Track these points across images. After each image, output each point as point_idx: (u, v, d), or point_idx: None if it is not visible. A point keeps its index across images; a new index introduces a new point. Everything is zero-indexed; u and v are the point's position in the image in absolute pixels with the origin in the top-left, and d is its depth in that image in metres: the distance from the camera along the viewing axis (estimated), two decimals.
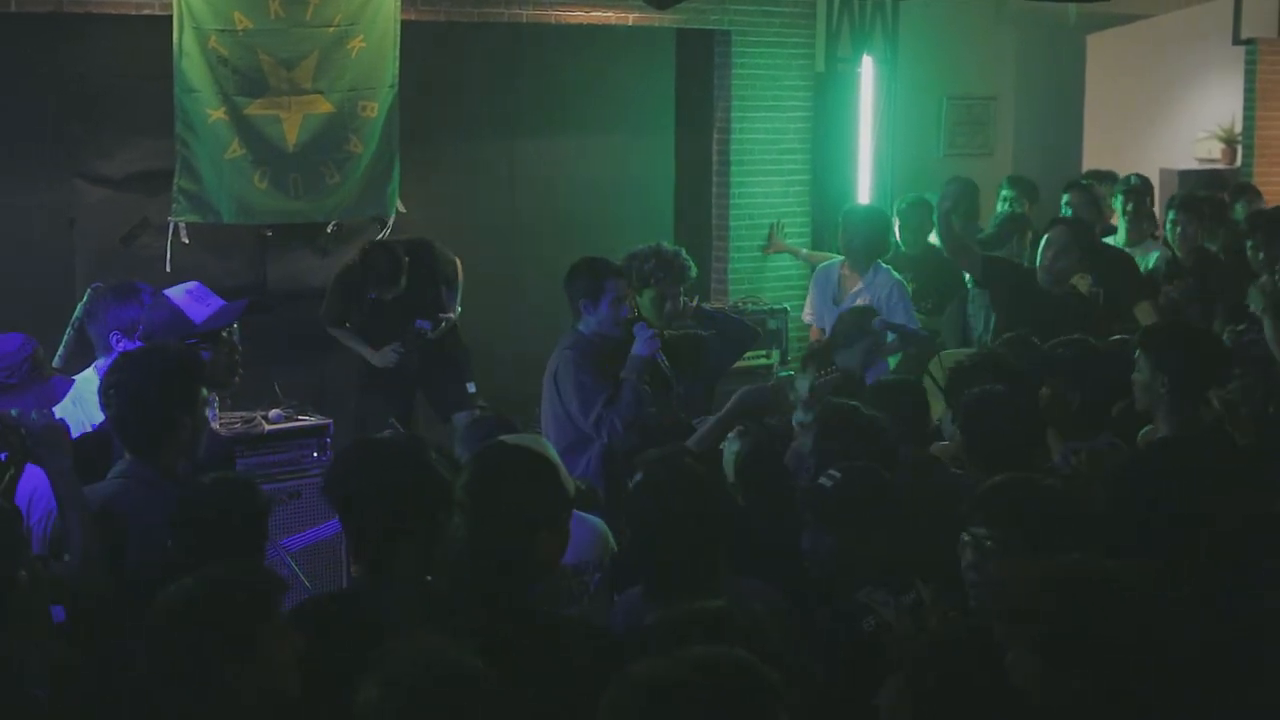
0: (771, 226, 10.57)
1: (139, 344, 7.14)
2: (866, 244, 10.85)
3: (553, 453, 5.16)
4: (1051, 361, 7.51)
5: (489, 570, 4.76)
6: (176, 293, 7.41)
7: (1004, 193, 13.09)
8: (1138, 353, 7.11)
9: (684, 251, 9.32)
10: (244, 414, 9.28)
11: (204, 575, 4.29)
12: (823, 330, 10.72)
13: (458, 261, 10.98)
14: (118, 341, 7.40)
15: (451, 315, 10.86)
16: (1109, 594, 4.23)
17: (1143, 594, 4.30)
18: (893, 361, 11.48)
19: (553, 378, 8.55)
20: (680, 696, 3.31)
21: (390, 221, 11.31)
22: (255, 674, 4.06)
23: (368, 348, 10.76)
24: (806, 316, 11.44)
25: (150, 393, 5.75)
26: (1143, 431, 7.29)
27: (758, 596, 5.15)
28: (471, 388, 10.88)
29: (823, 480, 5.69)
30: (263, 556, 5.34)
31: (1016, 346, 7.96)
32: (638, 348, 8.46)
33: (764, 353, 12.29)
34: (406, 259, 10.54)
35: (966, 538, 4.92)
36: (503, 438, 5.44)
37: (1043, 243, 10.17)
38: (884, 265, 10.84)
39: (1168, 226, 11.40)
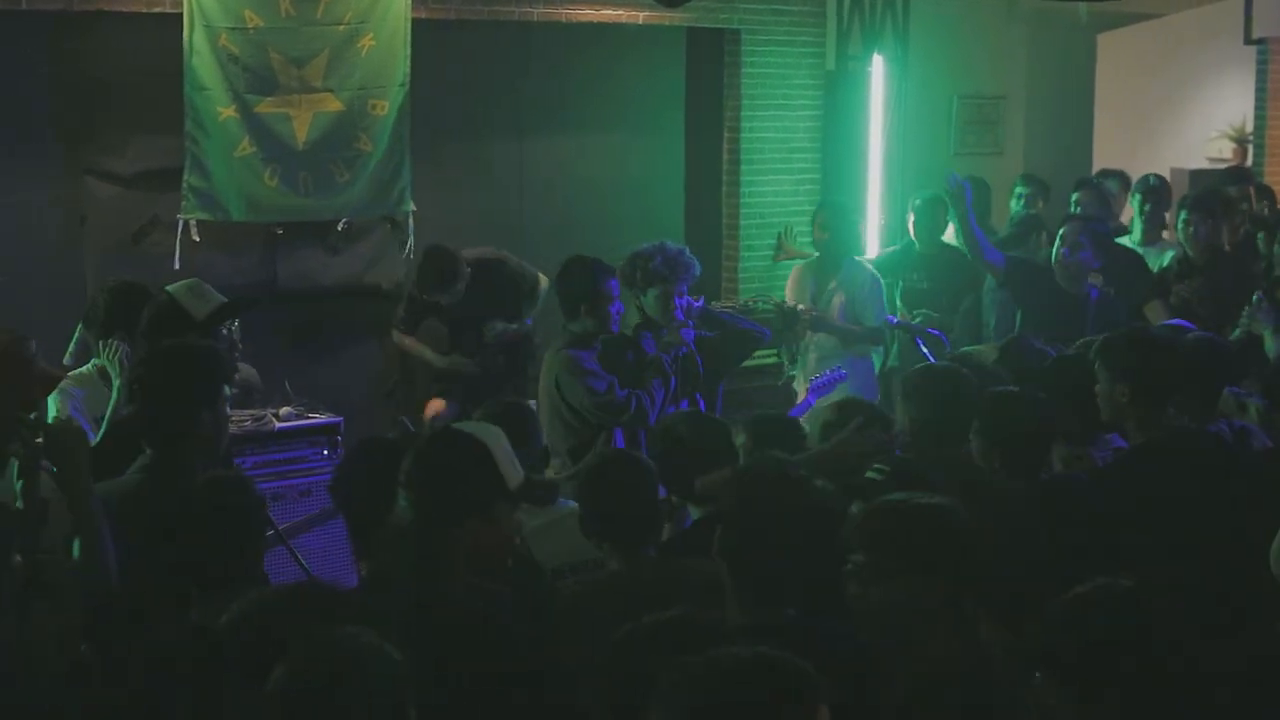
0: (780, 234, 10.52)
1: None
2: (839, 240, 10.85)
3: (504, 444, 5.07)
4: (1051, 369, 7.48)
5: (422, 556, 4.76)
6: (178, 289, 7.45)
7: (1018, 190, 13.10)
8: (1096, 364, 7.05)
9: (688, 250, 9.32)
10: (254, 411, 9.27)
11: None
12: None
13: (541, 277, 10.77)
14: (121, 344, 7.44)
15: (513, 325, 10.68)
16: (1138, 614, 4.25)
17: (1167, 611, 4.32)
18: (892, 356, 11.55)
19: (554, 382, 8.54)
20: (729, 692, 3.32)
21: (409, 222, 11.31)
22: None
23: (430, 350, 10.75)
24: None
25: (174, 388, 5.79)
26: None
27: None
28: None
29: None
30: (259, 553, 5.31)
31: (1015, 350, 7.95)
32: (650, 346, 8.58)
33: (773, 352, 12.26)
34: (468, 269, 10.43)
35: (849, 566, 4.76)
36: (455, 424, 5.41)
37: (1057, 239, 10.18)
38: (859, 260, 10.82)
39: (1179, 226, 11.37)
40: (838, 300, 10.58)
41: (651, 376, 8.56)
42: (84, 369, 7.58)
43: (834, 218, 10.98)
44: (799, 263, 11.52)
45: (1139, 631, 4.19)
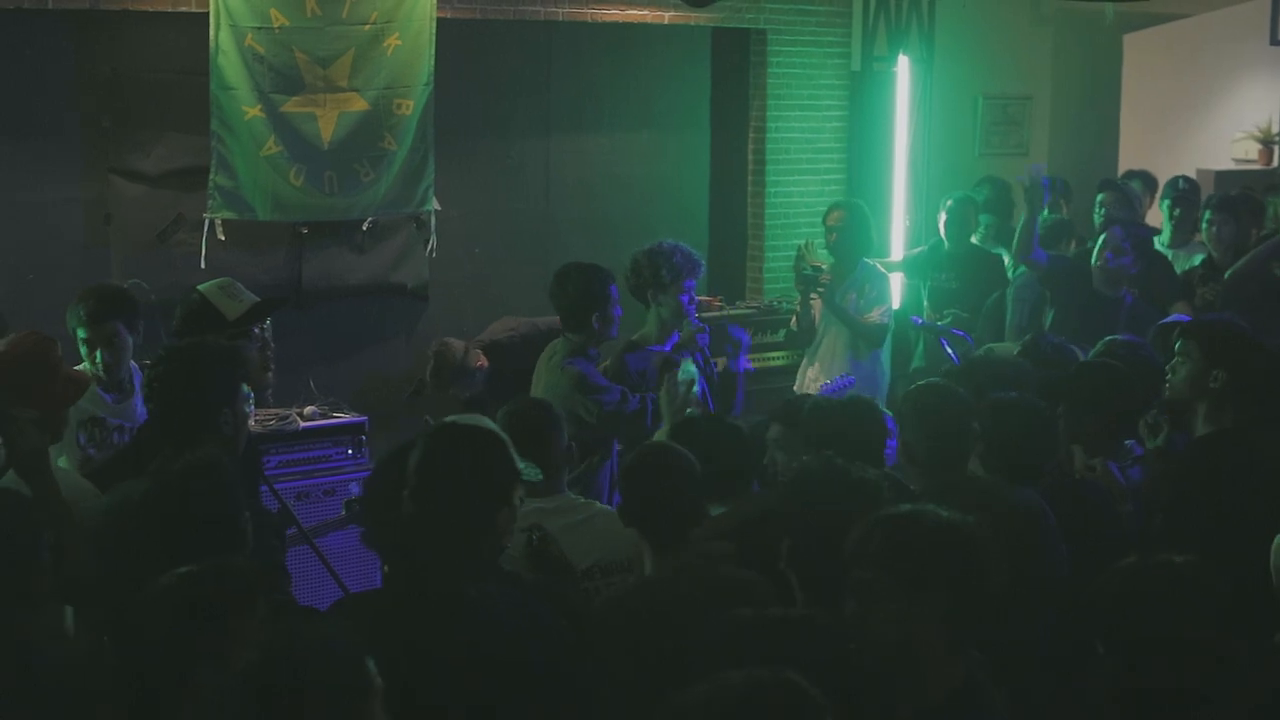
0: (800, 247, 10.43)
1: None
2: (852, 243, 10.76)
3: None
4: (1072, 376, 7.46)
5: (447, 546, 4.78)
6: (210, 288, 7.45)
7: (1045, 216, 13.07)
8: (1186, 342, 7.06)
9: (685, 245, 9.30)
10: (279, 410, 9.30)
11: (184, 571, 4.40)
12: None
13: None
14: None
15: None
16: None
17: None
18: (918, 357, 11.53)
19: (561, 401, 8.31)
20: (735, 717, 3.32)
21: (433, 221, 11.33)
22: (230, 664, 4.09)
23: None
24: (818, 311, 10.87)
25: (192, 386, 5.79)
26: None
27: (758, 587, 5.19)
28: None
29: None
30: (241, 535, 5.26)
31: (1036, 348, 7.94)
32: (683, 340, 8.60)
33: (783, 353, 12.30)
34: (477, 366, 10.30)
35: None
36: (451, 418, 5.42)
37: (1099, 243, 10.15)
38: (868, 262, 10.77)
39: (1204, 227, 11.36)
40: (849, 300, 10.54)
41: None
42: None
43: (846, 218, 10.86)
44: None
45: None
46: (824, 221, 10.93)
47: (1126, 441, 7.22)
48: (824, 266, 10.49)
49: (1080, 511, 6.27)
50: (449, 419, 5.27)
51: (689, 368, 8.53)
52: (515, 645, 4.40)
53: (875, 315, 10.38)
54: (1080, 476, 6.85)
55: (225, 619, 4.26)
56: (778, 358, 12.34)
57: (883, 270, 10.79)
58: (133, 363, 7.74)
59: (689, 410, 8.00)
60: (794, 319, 10.84)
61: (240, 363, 6.06)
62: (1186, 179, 12.72)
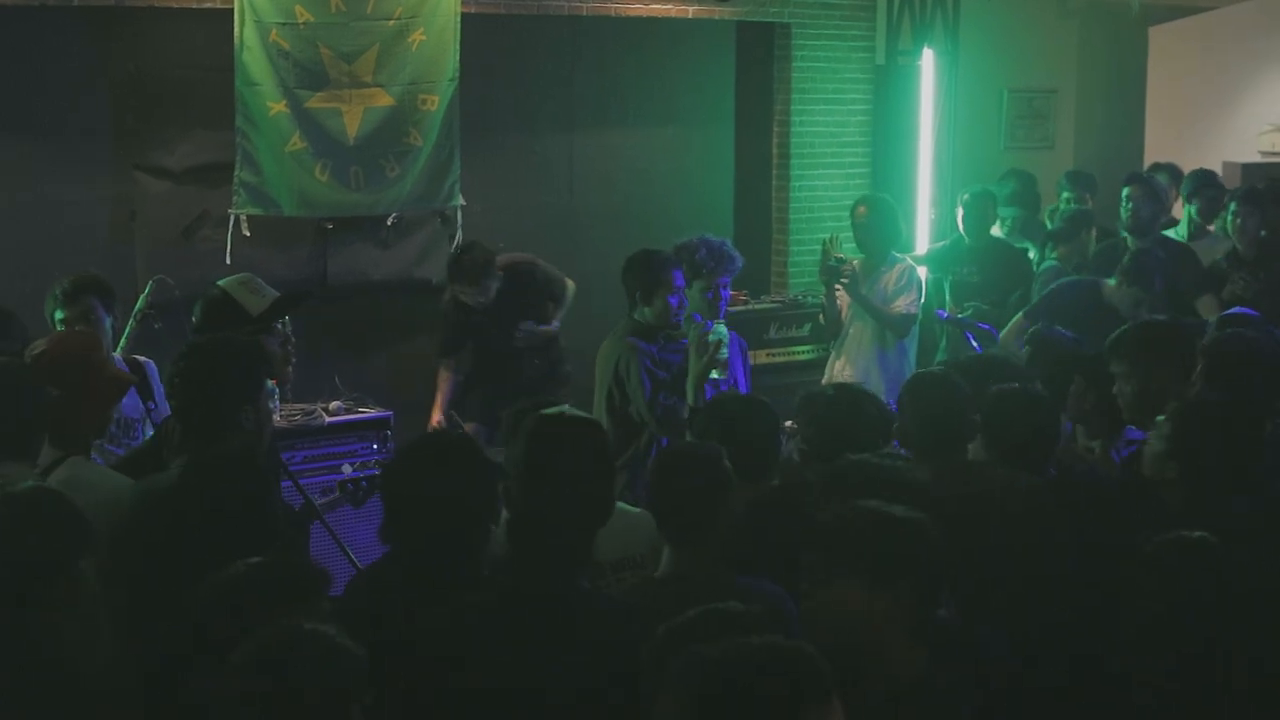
0: (825, 242, 10.36)
1: None
2: (879, 236, 10.66)
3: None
4: (1078, 360, 7.49)
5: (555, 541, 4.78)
6: (231, 284, 7.46)
7: (1064, 194, 13.04)
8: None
9: (730, 242, 9.34)
10: (304, 406, 9.31)
11: (249, 565, 4.40)
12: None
13: (569, 282, 10.91)
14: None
15: (547, 327, 10.71)
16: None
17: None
18: (941, 350, 11.49)
19: (613, 366, 8.58)
20: (742, 675, 3.32)
21: (458, 216, 11.33)
22: None
23: (446, 403, 10.60)
24: (843, 303, 10.73)
25: (214, 382, 5.79)
26: None
27: (768, 599, 5.16)
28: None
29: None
30: (271, 529, 5.27)
31: (1042, 340, 7.94)
32: (693, 341, 8.53)
33: (809, 347, 12.28)
34: (500, 272, 10.45)
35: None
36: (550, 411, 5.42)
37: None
38: (898, 255, 10.70)
39: (1228, 219, 11.32)
40: (878, 293, 10.48)
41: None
42: None
43: (871, 212, 10.74)
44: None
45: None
46: (851, 216, 10.88)
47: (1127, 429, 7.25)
48: (848, 258, 10.45)
49: (1090, 500, 6.27)
50: (548, 412, 5.29)
51: (720, 329, 8.51)
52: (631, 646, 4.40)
53: (901, 305, 10.32)
54: (1082, 458, 6.91)
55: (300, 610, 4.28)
56: (803, 352, 12.33)
57: (911, 263, 10.73)
58: (117, 355, 7.73)
59: (714, 373, 8.23)
60: (821, 314, 10.80)
61: (263, 358, 6.05)
62: (1205, 172, 12.70)
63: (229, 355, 5.93)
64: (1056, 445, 6.70)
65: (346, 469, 8.87)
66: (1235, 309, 9.23)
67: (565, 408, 5.37)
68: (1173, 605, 4.64)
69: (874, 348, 10.40)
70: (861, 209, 10.75)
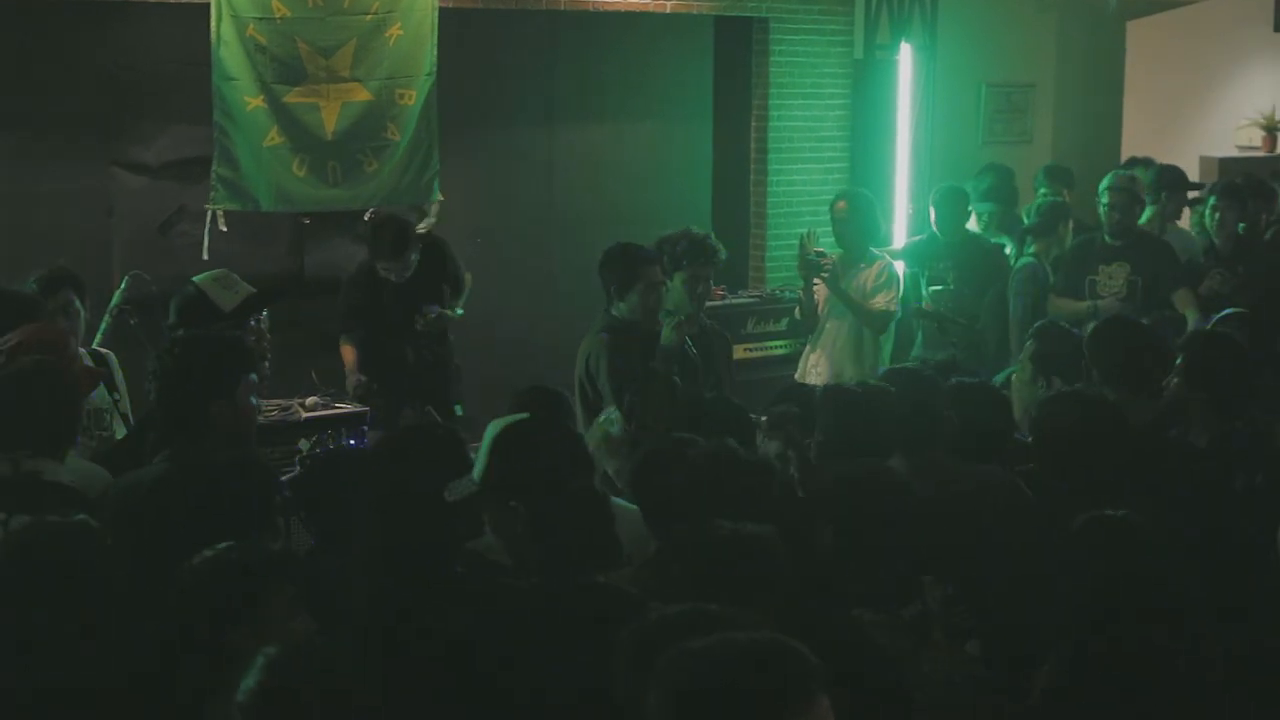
0: (802, 236, 10.29)
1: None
2: (858, 232, 10.56)
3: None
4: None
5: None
6: (205, 280, 7.46)
7: (1040, 190, 13.01)
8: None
9: (713, 235, 9.31)
10: (281, 401, 9.29)
11: (214, 552, 4.44)
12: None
13: (468, 275, 10.67)
14: None
15: (447, 312, 10.29)
16: None
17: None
18: (917, 345, 11.48)
19: (586, 362, 8.56)
20: (727, 671, 3.31)
21: (434, 209, 11.29)
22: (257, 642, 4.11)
23: (352, 368, 10.21)
24: (820, 296, 10.54)
25: (186, 379, 5.80)
26: None
27: None
28: (459, 410, 10.31)
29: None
30: (275, 534, 5.30)
31: (1049, 335, 7.93)
32: (666, 337, 8.50)
33: (786, 342, 12.27)
34: (419, 244, 10.21)
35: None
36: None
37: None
38: (876, 251, 10.63)
39: (1206, 213, 11.33)
40: (858, 289, 10.43)
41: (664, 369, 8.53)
42: None
43: (851, 208, 10.64)
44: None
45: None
46: (830, 211, 10.84)
47: None
48: (827, 253, 10.43)
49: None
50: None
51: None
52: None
53: (880, 302, 10.29)
54: None
55: (258, 595, 4.33)
56: (779, 346, 12.35)
57: (890, 260, 10.70)
58: (83, 349, 7.71)
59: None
60: (797, 308, 10.75)
61: (241, 355, 6.04)
62: (1172, 167, 12.71)
63: (202, 352, 5.93)
64: (1011, 436, 6.80)
65: (303, 445, 8.84)
66: (1226, 310, 9.23)
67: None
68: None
69: (850, 342, 10.37)
70: (841, 204, 10.68)
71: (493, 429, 5.61)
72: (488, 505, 5.33)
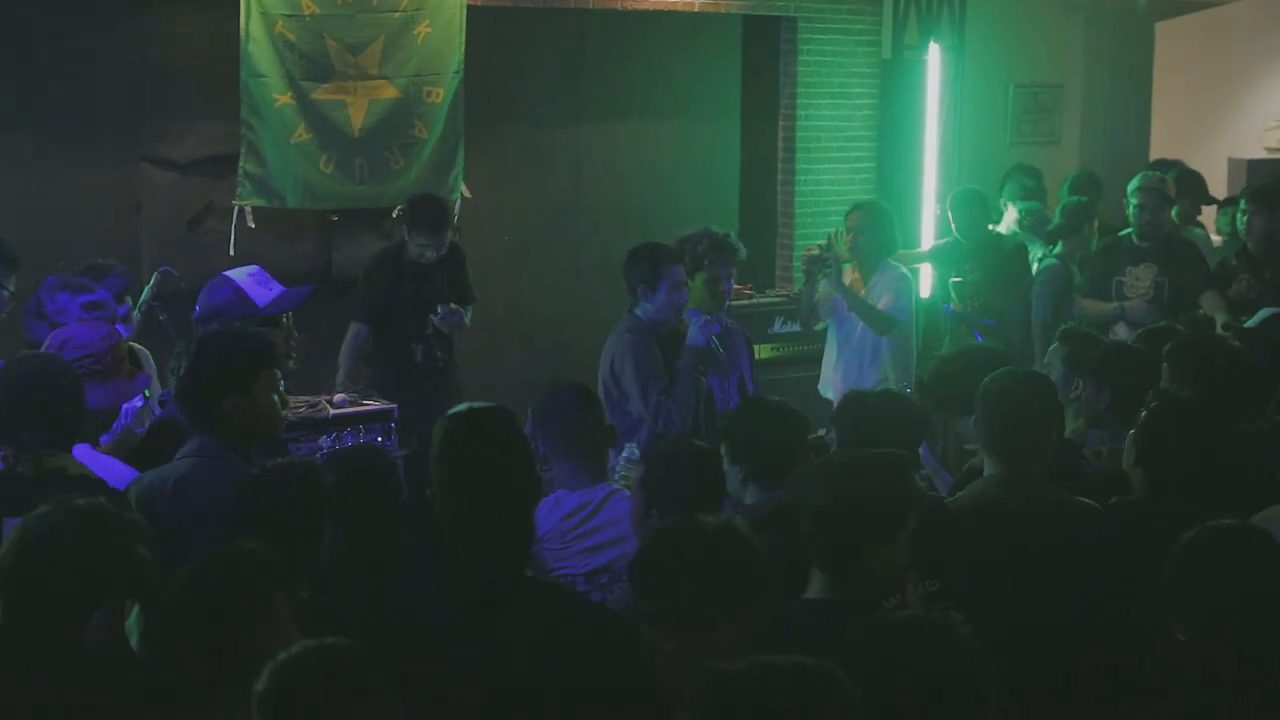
0: (829, 236, 10.23)
1: (101, 323, 7.25)
2: (872, 243, 10.46)
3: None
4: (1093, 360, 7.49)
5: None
6: (239, 275, 7.46)
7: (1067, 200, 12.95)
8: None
9: (734, 234, 9.30)
10: (309, 398, 9.30)
11: (214, 552, 4.45)
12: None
13: (470, 310, 10.45)
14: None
15: (461, 312, 10.17)
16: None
17: None
18: (945, 345, 11.44)
19: (610, 362, 8.56)
20: (759, 691, 3.30)
21: (456, 207, 11.30)
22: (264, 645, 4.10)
23: (348, 366, 10.13)
24: (822, 296, 10.52)
25: (200, 374, 5.80)
26: None
27: None
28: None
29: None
30: (322, 540, 5.31)
31: (1074, 338, 7.91)
32: (692, 336, 8.49)
33: (811, 342, 12.25)
34: (454, 226, 10.25)
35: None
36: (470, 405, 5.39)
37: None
38: (891, 262, 10.52)
39: (1238, 217, 11.29)
40: (880, 302, 10.36)
41: (690, 369, 8.54)
42: None
43: (865, 219, 10.54)
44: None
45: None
46: (845, 223, 10.79)
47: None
48: (833, 248, 10.37)
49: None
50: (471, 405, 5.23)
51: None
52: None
53: (883, 304, 10.24)
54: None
55: (259, 599, 4.30)
56: (805, 346, 12.30)
57: (905, 270, 10.60)
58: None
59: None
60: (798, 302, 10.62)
61: (261, 354, 6.03)
62: (1192, 171, 12.69)
63: (220, 346, 5.94)
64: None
65: (324, 442, 8.81)
66: (1270, 310, 9.20)
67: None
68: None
69: (868, 343, 10.33)
70: (855, 215, 10.57)
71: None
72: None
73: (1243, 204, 11.24)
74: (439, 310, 10.01)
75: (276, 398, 6.02)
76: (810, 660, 3.39)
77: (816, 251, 10.23)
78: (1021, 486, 5.82)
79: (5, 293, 8.20)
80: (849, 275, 10.38)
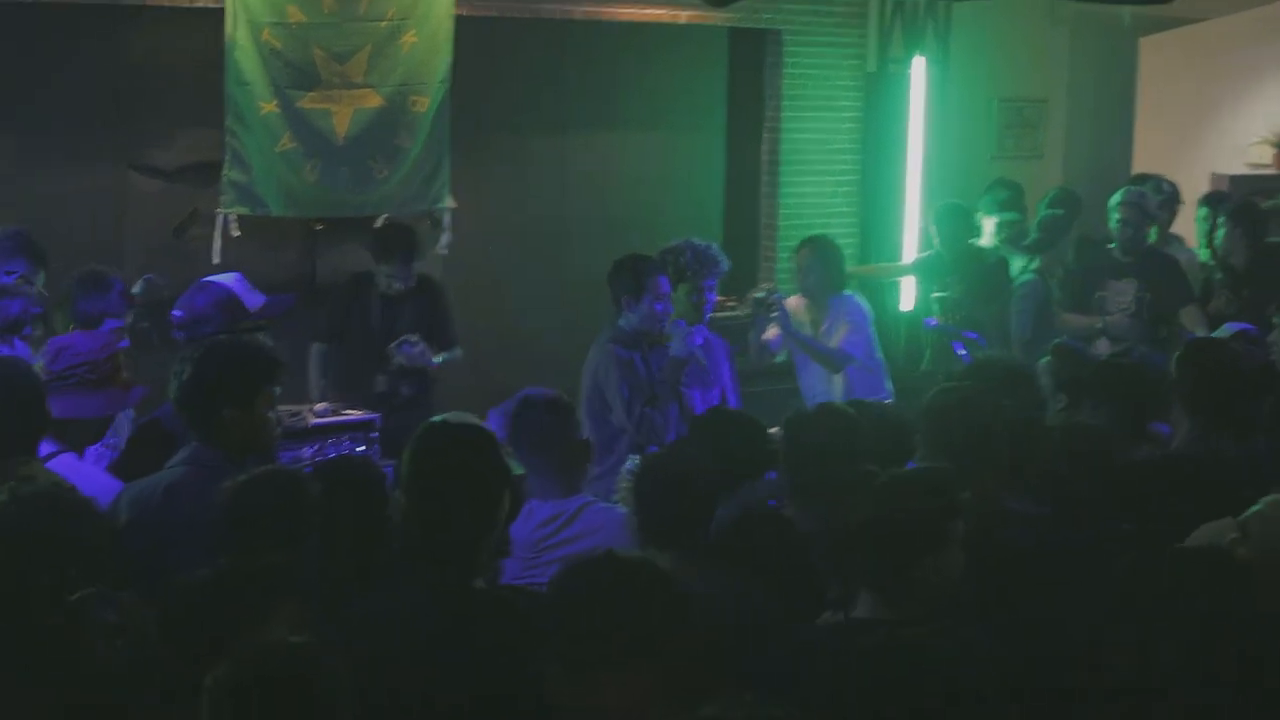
0: (772, 286, 10.19)
1: (103, 331, 7.28)
2: (822, 279, 10.43)
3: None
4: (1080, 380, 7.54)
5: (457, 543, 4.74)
6: (226, 280, 7.48)
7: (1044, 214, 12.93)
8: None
9: (718, 246, 9.33)
10: (290, 408, 9.30)
11: (218, 566, 4.47)
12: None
13: (459, 350, 10.42)
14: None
15: (424, 348, 9.99)
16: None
17: None
18: (926, 359, 11.47)
19: (593, 372, 8.60)
20: None
21: (446, 220, 11.30)
22: None
23: (316, 382, 10.15)
24: (770, 335, 10.39)
25: (200, 384, 5.84)
26: None
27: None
28: None
29: None
30: (307, 548, 5.33)
31: (1064, 355, 7.95)
32: (675, 348, 8.53)
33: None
34: (421, 255, 10.21)
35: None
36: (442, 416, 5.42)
37: None
38: (848, 293, 10.52)
39: (1219, 232, 11.34)
40: (838, 339, 10.29)
41: (673, 380, 8.58)
42: None
43: (813, 259, 10.49)
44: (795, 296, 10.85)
45: None
46: (793, 260, 10.74)
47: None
48: (775, 289, 10.36)
49: None
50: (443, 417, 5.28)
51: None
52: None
53: (841, 338, 10.18)
54: None
55: (256, 611, 4.32)
56: (781, 356, 12.29)
57: (860, 303, 10.51)
58: None
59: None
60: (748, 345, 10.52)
61: (262, 366, 6.05)
62: (1170, 183, 12.72)
63: (222, 359, 5.96)
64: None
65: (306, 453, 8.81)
66: (1232, 325, 9.24)
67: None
68: None
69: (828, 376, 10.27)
70: (803, 252, 10.57)
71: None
72: None
73: (1223, 220, 11.28)
74: (403, 344, 9.90)
75: (272, 414, 6.07)
76: (779, 706, 3.40)
77: (762, 294, 10.19)
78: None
79: (36, 290, 8.19)
80: (795, 301, 10.37)
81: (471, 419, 5.28)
